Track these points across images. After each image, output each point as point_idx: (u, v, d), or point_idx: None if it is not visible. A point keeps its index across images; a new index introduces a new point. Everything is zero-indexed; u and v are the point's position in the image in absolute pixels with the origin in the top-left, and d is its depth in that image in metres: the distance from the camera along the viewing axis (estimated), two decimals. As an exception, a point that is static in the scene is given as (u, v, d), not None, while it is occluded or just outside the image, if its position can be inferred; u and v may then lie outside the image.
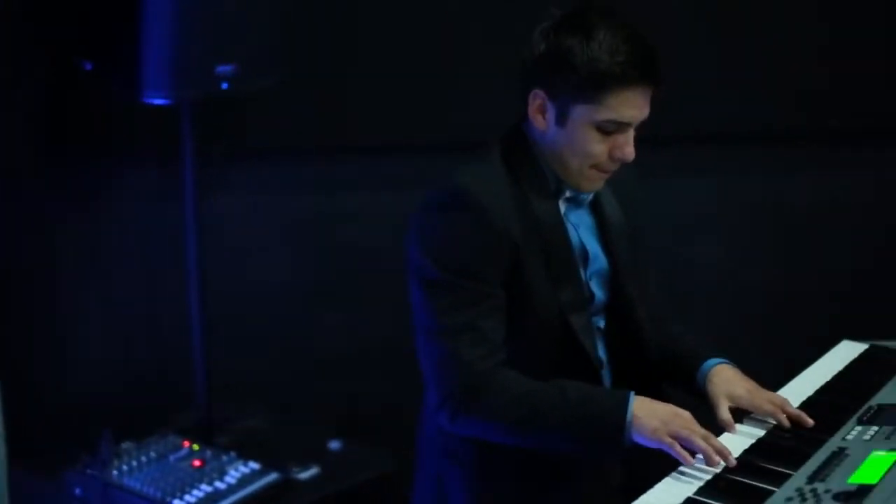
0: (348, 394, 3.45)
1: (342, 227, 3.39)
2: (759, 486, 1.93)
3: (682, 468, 2.05)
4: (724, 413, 2.21)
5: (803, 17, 3.69)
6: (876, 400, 2.31)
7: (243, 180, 3.40)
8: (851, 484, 1.87)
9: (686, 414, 2.13)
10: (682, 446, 2.05)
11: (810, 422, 2.20)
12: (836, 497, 1.82)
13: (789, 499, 1.85)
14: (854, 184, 3.90)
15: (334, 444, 3.22)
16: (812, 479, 1.92)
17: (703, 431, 2.08)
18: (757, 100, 3.68)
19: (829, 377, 2.53)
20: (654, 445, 2.08)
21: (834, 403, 2.33)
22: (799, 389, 2.45)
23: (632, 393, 2.14)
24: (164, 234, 3.28)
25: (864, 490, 1.82)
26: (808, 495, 1.85)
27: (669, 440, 2.06)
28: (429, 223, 2.19)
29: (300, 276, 3.46)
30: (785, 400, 2.26)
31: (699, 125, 3.67)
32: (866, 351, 2.72)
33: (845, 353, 2.72)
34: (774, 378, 2.51)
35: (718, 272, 3.85)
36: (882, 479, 1.87)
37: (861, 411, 2.24)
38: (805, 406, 2.35)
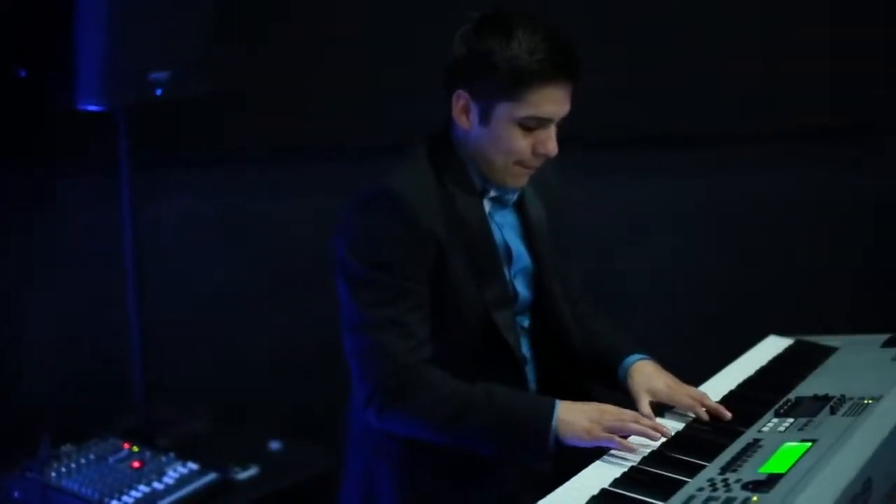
0: (290, 395, 3.48)
1: (282, 230, 3.42)
2: (673, 477, 1.97)
3: (603, 458, 2.11)
4: (645, 408, 2.26)
5: (752, 19, 3.77)
6: (795, 393, 2.36)
7: (184, 185, 3.42)
8: (762, 473, 1.91)
9: (611, 407, 2.19)
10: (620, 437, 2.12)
11: (728, 415, 2.25)
12: (745, 486, 1.86)
13: (701, 489, 1.89)
14: (802, 183, 3.97)
15: (275, 445, 3.25)
16: (725, 469, 1.97)
17: (631, 415, 2.16)
18: (708, 102, 3.75)
19: (751, 371, 2.59)
20: (592, 444, 2.13)
21: (754, 397, 2.39)
22: (722, 383, 2.51)
23: (557, 400, 2.19)
24: (103, 238, 3.29)
25: (774, 479, 1.87)
26: (720, 485, 1.89)
27: (606, 435, 2.12)
28: (354, 221, 2.24)
29: (241, 280, 3.50)
30: (704, 394, 2.32)
31: (651, 127, 3.73)
32: (791, 346, 2.78)
33: (771, 347, 2.78)
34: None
35: (672, 271, 3.92)
36: (791, 468, 1.91)
37: (779, 404, 2.29)
38: (726, 399, 2.40)
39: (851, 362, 2.59)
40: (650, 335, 3.70)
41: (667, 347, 3.60)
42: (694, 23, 3.71)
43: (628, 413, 2.17)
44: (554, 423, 2.14)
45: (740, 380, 2.53)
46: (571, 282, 2.52)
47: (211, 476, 2.98)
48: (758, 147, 3.89)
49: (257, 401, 3.50)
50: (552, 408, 2.16)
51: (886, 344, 2.67)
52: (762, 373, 2.59)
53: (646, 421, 2.15)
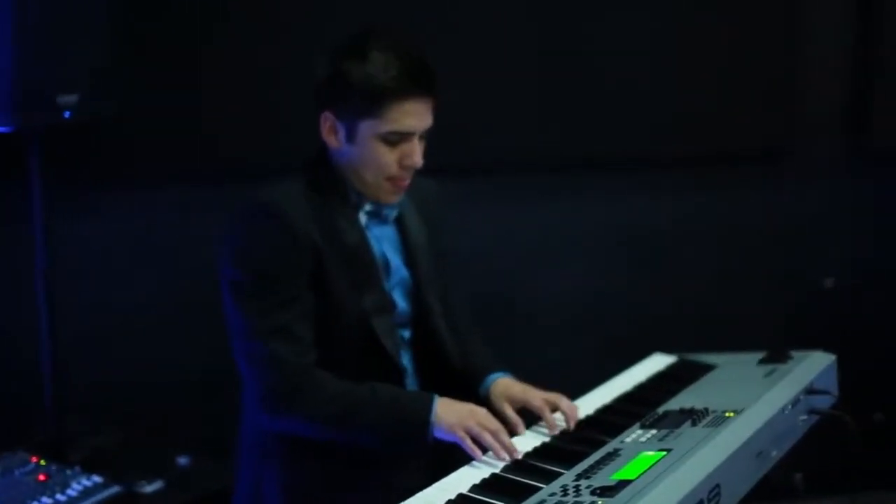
0: (203, 411, 3.53)
1: (197, 251, 3.47)
2: (529, 484, 2.06)
3: (469, 465, 2.21)
4: (511, 414, 2.39)
5: (661, 47, 3.87)
6: (664, 407, 2.46)
7: (97, 206, 3.48)
8: (612, 480, 1.99)
9: (481, 411, 2.31)
10: (475, 441, 2.23)
11: (577, 415, 2.39)
12: (593, 492, 1.94)
13: (553, 494, 1.97)
14: (708, 206, 4.10)
15: (182, 460, 3.30)
16: (580, 476, 2.05)
17: (494, 427, 2.26)
18: (617, 127, 3.85)
19: (629, 386, 2.69)
20: (450, 439, 2.26)
21: (625, 410, 2.49)
22: (599, 397, 2.61)
23: (436, 395, 2.31)
24: (18, 257, 3.34)
25: (622, 485, 1.95)
26: (571, 491, 1.97)
27: (462, 434, 2.24)
28: (234, 233, 2.35)
29: (156, 298, 3.55)
30: (558, 396, 2.44)
31: (561, 152, 3.82)
32: (673, 363, 2.89)
33: (653, 364, 2.88)
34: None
35: (582, 294, 4.00)
36: (640, 475, 1.99)
37: (645, 417, 2.38)
38: (600, 412, 2.51)
39: (726, 378, 2.70)
40: (560, 357, 3.85)
41: (576, 369, 3.72)
42: (606, 49, 3.80)
43: (493, 423, 2.27)
44: (433, 416, 2.27)
45: (617, 394, 2.62)
46: (451, 300, 2.61)
47: (115, 489, 3.02)
48: (665, 171, 4.00)
49: (169, 417, 3.55)
50: (431, 401, 2.29)
51: (762, 361, 2.77)
52: (639, 388, 2.69)
53: (503, 438, 2.25)
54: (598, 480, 2.01)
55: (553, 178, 3.91)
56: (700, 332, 3.97)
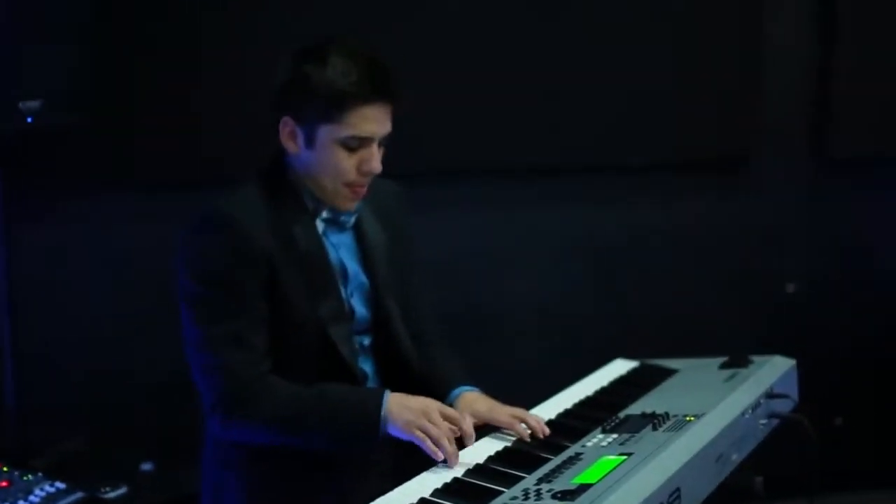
0: (166, 417, 3.52)
1: (157, 258, 3.46)
2: (491, 488, 2.07)
3: (430, 471, 2.20)
4: (466, 425, 2.34)
5: (618, 57, 3.89)
6: (626, 411, 2.48)
7: (59, 213, 3.47)
8: (573, 484, 2.00)
9: (434, 405, 2.30)
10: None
11: (546, 430, 2.36)
12: (554, 496, 1.95)
13: (514, 497, 1.98)
14: (668, 214, 4.13)
15: (146, 466, 3.30)
16: (542, 480, 2.06)
17: (445, 429, 2.24)
18: (578, 135, 3.87)
19: (591, 391, 2.71)
20: (406, 438, 2.25)
21: (587, 415, 2.50)
22: (561, 402, 2.63)
23: (387, 390, 2.30)
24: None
25: (583, 488, 1.96)
26: (532, 495, 1.98)
27: (420, 434, 2.22)
28: (188, 243, 2.34)
29: (117, 304, 3.54)
30: (524, 412, 2.42)
31: (521, 161, 3.84)
32: (635, 368, 2.91)
33: (615, 369, 2.90)
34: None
35: (535, 302, 4.01)
36: (601, 479, 2.01)
37: (607, 421, 2.40)
38: (562, 416, 2.52)
39: (687, 383, 2.73)
40: (523, 363, 3.86)
41: (538, 375, 3.74)
42: (568, 58, 3.82)
43: (445, 425, 2.25)
44: (384, 412, 2.25)
45: (578, 398, 2.64)
46: (417, 309, 2.62)
47: (78, 495, 3.01)
48: (626, 179, 4.03)
49: (132, 423, 3.54)
50: (382, 397, 2.28)
51: (723, 366, 2.80)
52: (601, 393, 2.71)
53: (448, 449, 2.22)
54: (559, 484, 2.02)
55: (515, 186, 3.93)
56: (661, 338, 4.04)
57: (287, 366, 2.34)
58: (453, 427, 2.26)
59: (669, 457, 2.10)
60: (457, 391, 2.50)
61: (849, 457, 3.99)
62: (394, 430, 2.26)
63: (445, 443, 2.21)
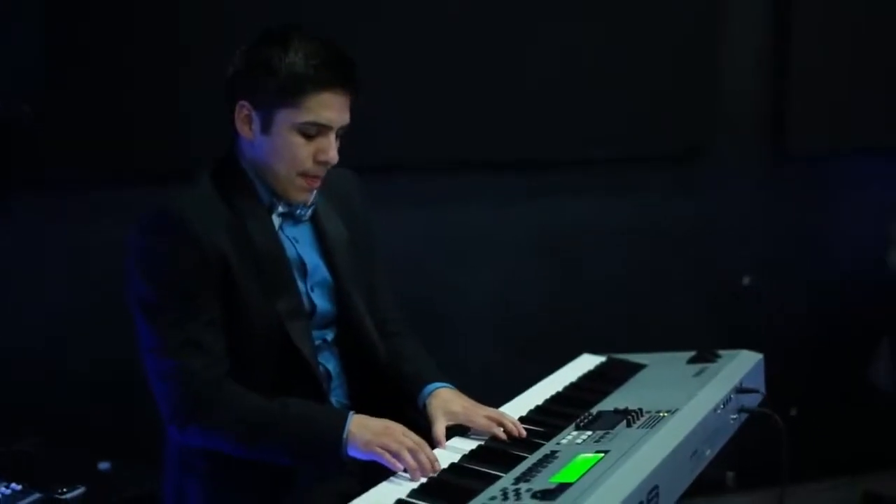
0: (123, 415, 3.46)
1: (109, 254, 3.39)
2: (467, 488, 2.04)
3: (399, 475, 2.17)
4: (438, 430, 2.33)
5: (576, 51, 3.85)
6: (598, 407, 2.47)
7: (10, 209, 3.38)
8: (552, 483, 1.99)
9: (398, 428, 2.24)
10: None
11: (524, 433, 2.33)
12: (534, 495, 1.93)
13: (493, 497, 1.96)
14: (626, 208, 4.12)
15: (104, 465, 3.24)
16: (519, 479, 2.04)
17: (411, 443, 2.19)
18: (523, 130, 3.83)
19: (560, 387, 2.69)
20: (367, 457, 2.20)
21: (559, 411, 2.49)
22: (531, 398, 2.61)
23: (351, 412, 2.25)
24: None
25: (562, 488, 1.94)
26: (511, 494, 1.96)
27: (379, 451, 2.17)
28: (138, 244, 2.27)
29: (75, 302, 3.45)
30: (501, 414, 2.39)
31: (468, 153, 3.81)
32: (603, 363, 2.90)
33: (583, 364, 2.89)
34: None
35: (493, 297, 3.99)
36: (580, 478, 1.99)
37: (580, 418, 2.38)
38: (534, 413, 2.51)
39: (656, 378, 2.72)
40: (479, 358, 3.84)
41: (495, 370, 3.75)
42: (525, 51, 3.80)
43: (411, 440, 2.20)
44: (345, 434, 2.20)
45: (548, 395, 2.62)
46: (380, 298, 2.59)
47: (35, 496, 2.94)
48: (585, 172, 4.01)
49: (89, 423, 3.47)
50: (345, 419, 2.23)
51: (691, 360, 2.80)
52: (571, 388, 2.70)
53: (423, 454, 2.18)
54: (538, 483, 2.00)
55: (471, 180, 3.89)
56: (618, 332, 4.04)
57: (246, 367, 2.30)
58: (418, 442, 2.21)
59: (646, 454, 2.09)
60: (430, 388, 2.45)
61: (804, 447, 4.01)
62: (353, 452, 2.21)
63: (406, 455, 2.16)
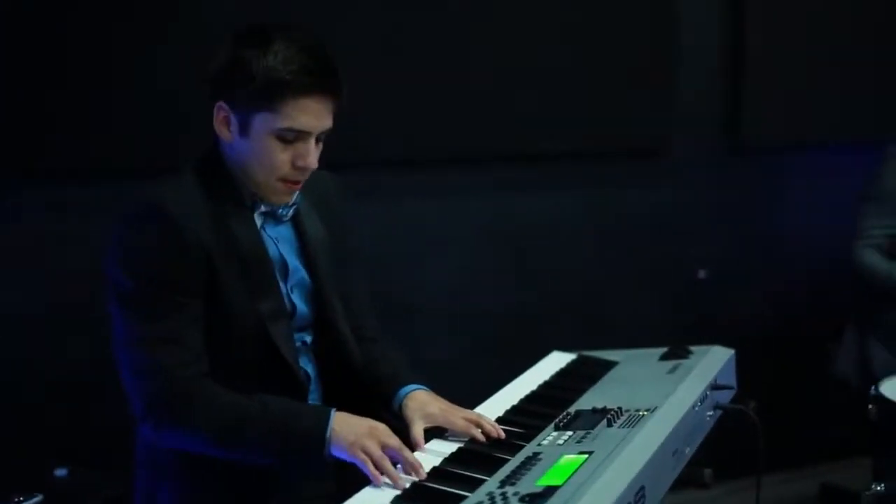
0: (80, 420, 3.38)
1: (67, 252, 3.32)
2: (453, 492, 2.00)
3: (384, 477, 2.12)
4: (416, 432, 2.29)
5: (535, 46, 3.84)
6: (575, 406, 2.44)
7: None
8: (539, 486, 1.95)
9: (381, 428, 2.19)
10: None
11: (502, 434, 2.29)
12: (522, 499, 1.90)
13: (479, 502, 1.92)
14: (584, 203, 4.11)
15: (60, 472, 3.16)
16: (504, 483, 2.00)
17: (394, 444, 2.14)
18: (481, 125, 3.80)
19: (534, 386, 2.66)
20: (349, 460, 2.14)
21: (536, 411, 2.45)
22: (506, 398, 2.57)
23: (333, 409, 2.20)
24: None
25: (550, 491, 1.91)
26: (498, 499, 1.92)
27: (363, 457, 2.12)
28: (121, 238, 2.20)
29: (28, 303, 3.36)
30: (479, 416, 2.35)
31: (426, 150, 3.77)
32: (573, 360, 2.88)
33: (554, 362, 2.86)
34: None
35: (450, 292, 3.95)
36: (567, 480, 1.96)
37: (559, 417, 2.35)
38: (509, 413, 2.47)
39: (630, 375, 2.70)
40: (439, 354, 3.80)
41: (455, 366, 3.71)
42: (482, 46, 3.76)
43: (394, 440, 2.16)
44: (328, 432, 2.15)
45: (523, 394, 2.59)
46: (356, 301, 2.54)
47: (-9, 506, 2.88)
48: (543, 168, 4.00)
49: (43, 427, 3.38)
50: (328, 417, 2.17)
51: (663, 357, 2.78)
52: (545, 387, 2.67)
53: (407, 457, 2.13)
54: (525, 487, 1.97)
55: (429, 175, 3.85)
56: (577, 326, 4.06)
57: (226, 366, 2.24)
58: (401, 444, 2.16)
59: (631, 455, 2.06)
60: (405, 390, 2.40)
61: (763, 439, 4.03)
62: (337, 451, 2.15)
63: (388, 465, 2.11)
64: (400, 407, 2.37)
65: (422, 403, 2.36)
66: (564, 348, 2.98)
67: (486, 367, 3.89)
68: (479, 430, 2.29)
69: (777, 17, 4.17)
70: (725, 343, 2.89)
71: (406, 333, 3.77)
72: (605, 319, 4.12)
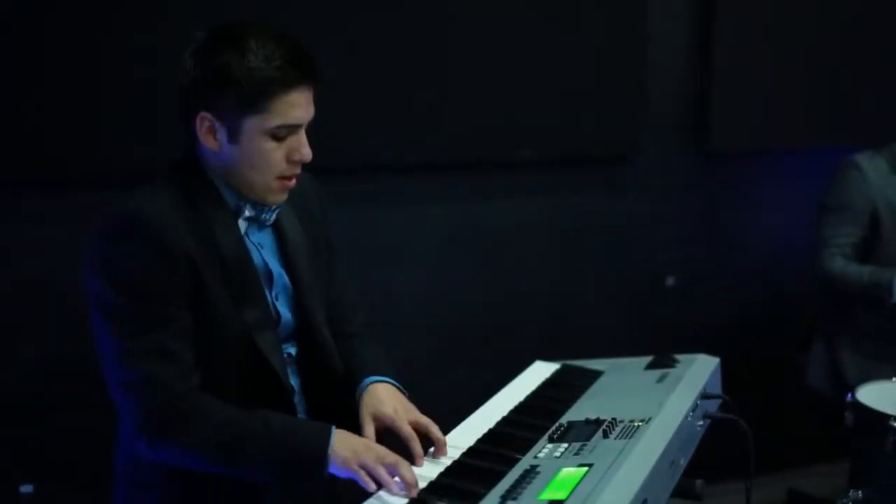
0: (42, 435, 3.28)
1: (29, 262, 3.22)
2: (453, 508, 1.96)
3: (382, 491, 2.08)
4: (367, 434, 2.24)
5: (504, 54, 3.80)
6: (566, 417, 2.40)
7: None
8: (542, 500, 1.92)
9: (378, 448, 2.15)
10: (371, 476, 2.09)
11: (447, 453, 2.25)
12: (526, 514, 1.87)
13: (483, 518, 1.89)
14: (554, 209, 4.07)
15: (26, 489, 3.08)
16: (505, 497, 1.97)
17: (392, 461, 2.11)
18: (451, 131, 3.76)
19: (522, 397, 2.61)
20: (345, 475, 2.10)
21: (527, 423, 2.41)
22: (494, 409, 2.53)
23: (332, 427, 2.15)
24: None
25: (554, 505, 1.88)
26: (502, 513, 1.89)
27: (356, 468, 2.08)
28: (102, 250, 2.13)
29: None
30: (430, 423, 2.30)
31: (395, 156, 3.72)
32: (558, 370, 2.84)
33: (538, 372, 2.82)
34: (483, 401, 2.58)
35: (417, 300, 3.90)
36: (571, 494, 1.92)
37: (552, 429, 2.31)
38: (502, 425, 2.42)
39: (618, 385, 2.66)
40: (408, 360, 3.74)
41: (423, 372, 3.66)
42: (454, 54, 3.72)
43: (391, 459, 2.12)
44: (329, 449, 2.11)
45: (511, 406, 2.55)
46: (338, 298, 2.50)
47: (-43, 525, 2.80)
48: (513, 175, 3.96)
49: (6, 442, 3.28)
50: (329, 435, 2.13)
51: (649, 366, 2.75)
52: (533, 398, 2.62)
53: (404, 472, 2.09)
54: (526, 501, 1.94)
55: (400, 181, 3.81)
56: (548, 333, 4.02)
57: (214, 379, 2.18)
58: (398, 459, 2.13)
59: (632, 467, 2.03)
60: (366, 381, 2.36)
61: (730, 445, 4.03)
62: (333, 468, 2.11)
63: (382, 472, 2.08)
64: (357, 400, 2.33)
65: (377, 400, 2.32)
66: (533, 356, 2.94)
67: (453, 376, 3.89)
68: (419, 444, 2.23)
69: (745, 24, 4.17)
70: (694, 350, 2.86)
71: (381, 337, 3.75)
72: (575, 326, 4.10)
